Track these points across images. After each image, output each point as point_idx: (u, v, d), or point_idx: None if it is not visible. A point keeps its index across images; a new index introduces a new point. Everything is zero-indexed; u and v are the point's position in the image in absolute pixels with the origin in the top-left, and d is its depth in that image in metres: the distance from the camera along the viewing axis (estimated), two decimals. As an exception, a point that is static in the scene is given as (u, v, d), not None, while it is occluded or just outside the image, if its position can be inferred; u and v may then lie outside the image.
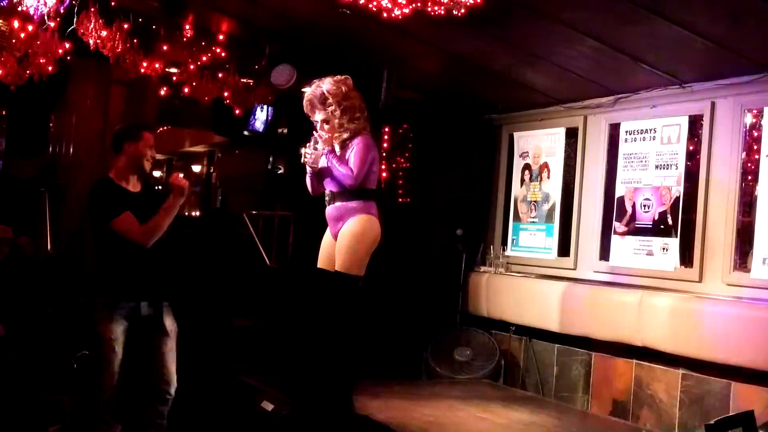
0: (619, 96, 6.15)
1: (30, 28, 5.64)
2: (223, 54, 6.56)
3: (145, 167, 4.84)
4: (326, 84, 5.10)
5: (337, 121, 5.09)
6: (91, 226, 4.80)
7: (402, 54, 6.36)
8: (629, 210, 6.08)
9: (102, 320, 4.62)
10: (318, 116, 5.15)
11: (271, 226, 8.52)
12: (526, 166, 7.07)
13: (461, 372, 6.71)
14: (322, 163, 5.18)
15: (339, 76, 5.14)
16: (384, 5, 4.84)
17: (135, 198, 4.76)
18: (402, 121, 7.03)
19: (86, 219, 4.88)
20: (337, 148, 5.15)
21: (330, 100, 5.08)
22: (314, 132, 5.19)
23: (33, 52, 5.80)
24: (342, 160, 5.04)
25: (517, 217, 7.13)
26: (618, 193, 6.18)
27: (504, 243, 7.21)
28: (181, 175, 4.96)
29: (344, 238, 5.07)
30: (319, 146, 5.19)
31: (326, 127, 5.14)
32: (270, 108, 9.51)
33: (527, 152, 7.08)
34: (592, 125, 6.48)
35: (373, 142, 5.17)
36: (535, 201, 6.96)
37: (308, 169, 5.19)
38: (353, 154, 5.01)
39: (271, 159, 11.01)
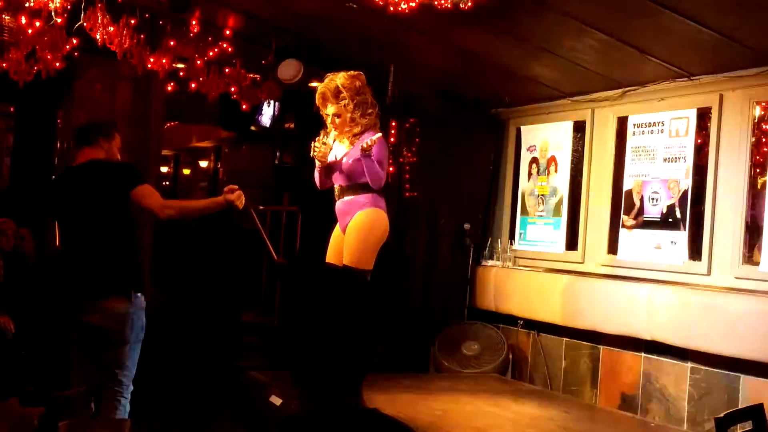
0: (627, 89, 6.13)
1: (37, 24, 5.65)
2: (229, 49, 6.56)
3: None
4: (340, 78, 5.12)
5: (349, 115, 5.11)
6: (115, 205, 4.50)
7: (408, 48, 6.35)
8: (637, 203, 6.07)
9: (142, 319, 4.57)
10: (330, 110, 5.17)
11: (278, 221, 8.54)
12: (534, 160, 7.06)
13: (469, 366, 6.71)
14: (331, 157, 5.19)
15: (353, 71, 5.17)
16: (391, -1, 4.84)
17: None
18: (409, 116, 7.02)
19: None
20: (346, 143, 5.16)
21: (343, 94, 5.10)
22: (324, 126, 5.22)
23: (40, 48, 5.82)
24: (382, 164, 5.03)
25: (524, 211, 7.12)
26: (626, 187, 6.17)
27: (512, 237, 7.20)
28: (237, 192, 4.66)
29: (352, 231, 5.08)
30: (328, 140, 5.21)
31: (337, 121, 5.15)
32: (277, 103, 9.53)
33: (534, 146, 7.06)
34: (599, 118, 6.46)
35: (385, 140, 5.19)
36: (542, 195, 6.95)
37: (317, 163, 5.20)
38: (376, 157, 5.01)
39: (278, 154, 11.03)
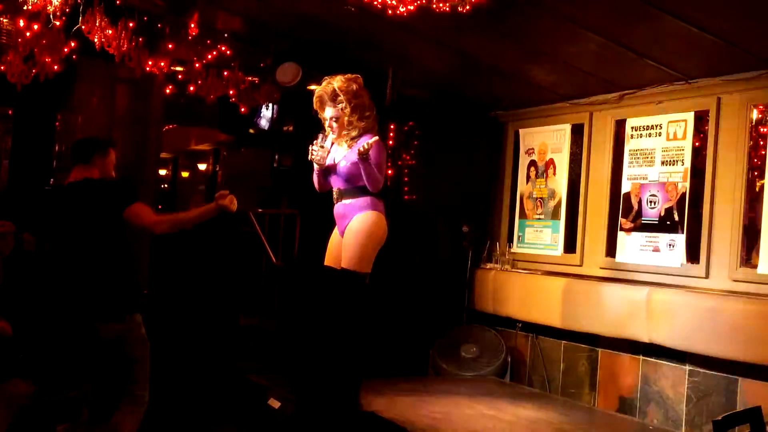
0: (625, 92, 6.15)
1: (36, 26, 5.65)
2: (228, 52, 6.56)
3: None
4: (337, 81, 5.13)
5: (346, 118, 5.12)
6: (109, 226, 4.49)
7: (407, 51, 6.35)
8: (635, 206, 6.08)
9: (141, 333, 4.55)
10: (327, 113, 5.17)
11: (277, 224, 8.53)
12: (532, 163, 7.07)
13: (468, 369, 6.71)
14: (329, 160, 5.19)
15: (350, 75, 5.17)
16: (389, 2, 4.84)
17: None
18: (407, 119, 7.03)
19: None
20: (344, 146, 5.16)
21: (341, 98, 5.10)
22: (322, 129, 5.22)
23: (39, 51, 5.81)
24: (380, 167, 5.03)
25: (523, 214, 7.13)
26: (624, 189, 6.18)
27: (510, 240, 7.21)
28: (228, 197, 4.62)
29: (351, 235, 5.08)
30: (326, 143, 5.21)
31: (335, 124, 5.16)
32: (275, 106, 9.52)
33: (533, 149, 7.07)
34: (597, 121, 6.47)
35: (382, 143, 5.19)
36: (541, 197, 6.96)
37: (315, 166, 5.20)
38: (374, 161, 5.01)
39: (276, 157, 11.02)
